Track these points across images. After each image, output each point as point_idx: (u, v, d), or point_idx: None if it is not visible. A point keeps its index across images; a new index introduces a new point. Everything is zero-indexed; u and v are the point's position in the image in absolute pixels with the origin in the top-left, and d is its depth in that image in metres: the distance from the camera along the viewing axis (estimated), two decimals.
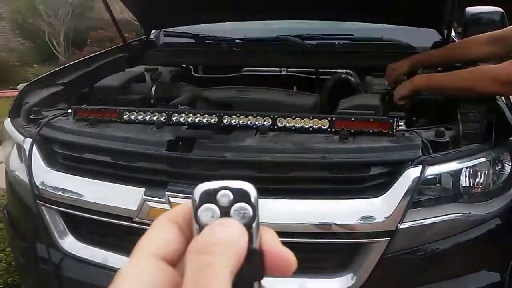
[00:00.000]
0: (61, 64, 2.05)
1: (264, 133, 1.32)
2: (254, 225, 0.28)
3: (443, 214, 1.22)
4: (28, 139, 1.50)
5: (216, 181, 0.29)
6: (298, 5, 2.07)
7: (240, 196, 0.28)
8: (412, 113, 1.62)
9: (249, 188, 0.29)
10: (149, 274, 0.27)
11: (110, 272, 1.33)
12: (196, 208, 0.28)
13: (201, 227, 0.28)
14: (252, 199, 0.29)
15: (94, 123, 1.48)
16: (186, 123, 1.41)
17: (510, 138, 1.34)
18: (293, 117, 1.34)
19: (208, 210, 0.28)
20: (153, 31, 2.54)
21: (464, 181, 1.25)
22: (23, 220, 1.65)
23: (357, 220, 1.19)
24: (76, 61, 2.10)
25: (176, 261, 0.28)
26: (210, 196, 0.28)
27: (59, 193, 1.42)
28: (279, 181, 1.26)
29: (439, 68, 1.78)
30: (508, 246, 1.34)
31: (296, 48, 2.16)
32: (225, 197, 0.28)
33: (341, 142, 1.26)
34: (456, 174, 1.23)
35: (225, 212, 0.28)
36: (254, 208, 0.28)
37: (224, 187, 0.29)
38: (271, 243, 0.29)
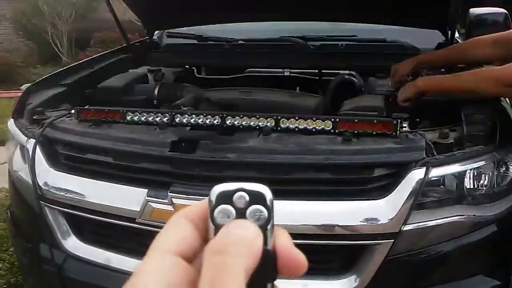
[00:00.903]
0: (64, 65, 2.06)
1: (267, 134, 1.32)
2: (269, 227, 0.29)
3: (447, 216, 1.21)
4: (31, 139, 1.50)
5: (232, 183, 0.29)
6: (301, 6, 2.06)
7: (256, 198, 0.29)
8: (416, 114, 1.61)
9: (265, 190, 0.29)
10: (166, 270, 0.27)
11: (113, 272, 1.33)
12: (212, 208, 0.29)
13: (217, 228, 0.28)
14: (268, 202, 0.29)
15: (97, 124, 1.48)
16: (189, 124, 1.41)
17: None
18: (296, 118, 1.34)
19: (224, 211, 0.29)
20: (156, 32, 2.54)
21: (468, 183, 1.24)
22: (26, 220, 1.66)
23: (361, 221, 1.19)
24: (79, 62, 2.11)
25: (192, 258, 0.29)
26: (226, 198, 0.29)
27: (62, 193, 1.42)
28: (282, 183, 1.26)
29: (442, 70, 1.78)
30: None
31: (299, 49, 2.16)
32: (241, 198, 0.29)
33: (344, 144, 1.26)
34: (460, 176, 1.23)
35: (240, 213, 0.29)
36: (269, 210, 0.29)
37: (241, 189, 0.29)
38: (284, 245, 0.29)
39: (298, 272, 0.29)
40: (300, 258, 0.29)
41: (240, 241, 0.27)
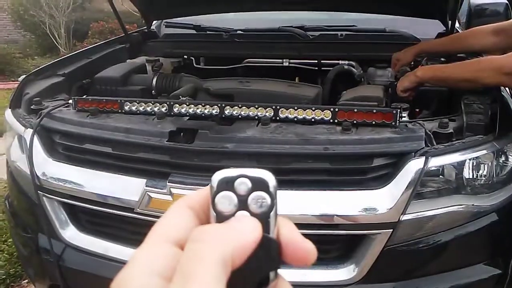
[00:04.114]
0: (62, 56, 2.04)
1: (266, 124, 1.31)
2: (272, 214, 0.28)
3: (446, 206, 1.21)
4: (29, 129, 1.50)
5: (234, 169, 0.29)
6: None
7: (259, 184, 0.28)
8: (416, 104, 1.60)
9: (268, 176, 0.29)
10: (160, 259, 0.26)
11: (111, 262, 1.33)
12: (213, 195, 0.28)
13: (218, 215, 0.28)
14: (271, 188, 0.28)
15: (95, 113, 1.47)
16: (187, 114, 1.40)
17: None
18: (295, 108, 1.33)
19: (225, 198, 0.28)
20: (154, 22, 2.52)
21: (467, 173, 1.24)
22: (25, 210, 1.66)
23: (360, 211, 1.18)
24: (77, 51, 2.09)
25: None
26: (228, 184, 0.28)
27: (60, 183, 1.42)
28: (281, 173, 1.25)
29: (442, 59, 1.77)
30: (511, 237, 1.34)
31: (298, 39, 2.15)
32: (243, 185, 0.28)
33: (343, 133, 1.25)
34: (459, 166, 1.23)
35: (242, 200, 0.28)
36: (273, 197, 0.28)
37: (243, 175, 0.28)
38: (290, 233, 0.28)
39: (307, 261, 0.28)
40: (308, 247, 0.28)
41: (224, 230, 0.26)
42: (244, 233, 0.26)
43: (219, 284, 0.24)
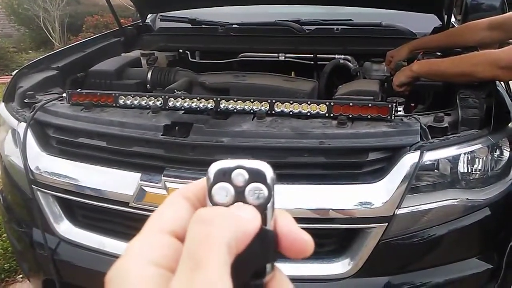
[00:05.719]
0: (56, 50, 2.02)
1: (261, 118, 1.31)
2: (269, 205, 0.28)
3: (441, 200, 1.21)
4: (22, 123, 1.48)
5: (232, 160, 0.28)
6: None
7: (256, 176, 0.28)
8: (411, 98, 1.60)
9: (266, 168, 0.28)
10: (155, 249, 0.26)
11: (106, 256, 1.33)
12: (210, 186, 0.28)
13: (215, 206, 0.28)
14: (268, 180, 0.28)
15: (89, 107, 1.46)
16: (182, 108, 1.40)
17: (509, 124, 1.33)
18: (291, 102, 1.33)
19: (222, 189, 0.28)
20: (149, 15, 2.50)
21: (462, 167, 1.24)
22: (19, 205, 1.65)
23: (355, 205, 1.18)
24: (71, 45, 2.08)
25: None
26: (225, 175, 0.28)
27: (54, 178, 1.41)
28: (276, 167, 1.23)
29: (438, 53, 1.77)
30: (505, 232, 1.34)
31: (294, 33, 2.14)
32: (240, 176, 0.28)
33: (339, 127, 1.25)
34: (454, 160, 1.23)
35: (239, 191, 0.28)
36: (270, 189, 0.28)
37: (240, 166, 0.28)
38: (287, 225, 0.28)
39: (304, 253, 0.28)
40: (306, 239, 0.28)
41: (229, 215, 0.26)
42: (246, 220, 0.26)
43: (226, 270, 0.24)
